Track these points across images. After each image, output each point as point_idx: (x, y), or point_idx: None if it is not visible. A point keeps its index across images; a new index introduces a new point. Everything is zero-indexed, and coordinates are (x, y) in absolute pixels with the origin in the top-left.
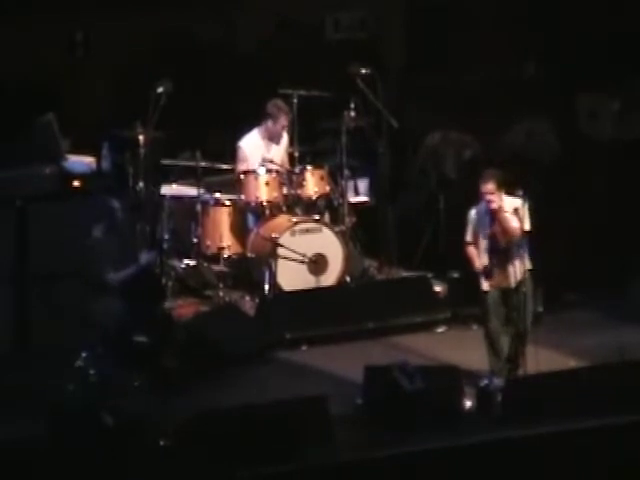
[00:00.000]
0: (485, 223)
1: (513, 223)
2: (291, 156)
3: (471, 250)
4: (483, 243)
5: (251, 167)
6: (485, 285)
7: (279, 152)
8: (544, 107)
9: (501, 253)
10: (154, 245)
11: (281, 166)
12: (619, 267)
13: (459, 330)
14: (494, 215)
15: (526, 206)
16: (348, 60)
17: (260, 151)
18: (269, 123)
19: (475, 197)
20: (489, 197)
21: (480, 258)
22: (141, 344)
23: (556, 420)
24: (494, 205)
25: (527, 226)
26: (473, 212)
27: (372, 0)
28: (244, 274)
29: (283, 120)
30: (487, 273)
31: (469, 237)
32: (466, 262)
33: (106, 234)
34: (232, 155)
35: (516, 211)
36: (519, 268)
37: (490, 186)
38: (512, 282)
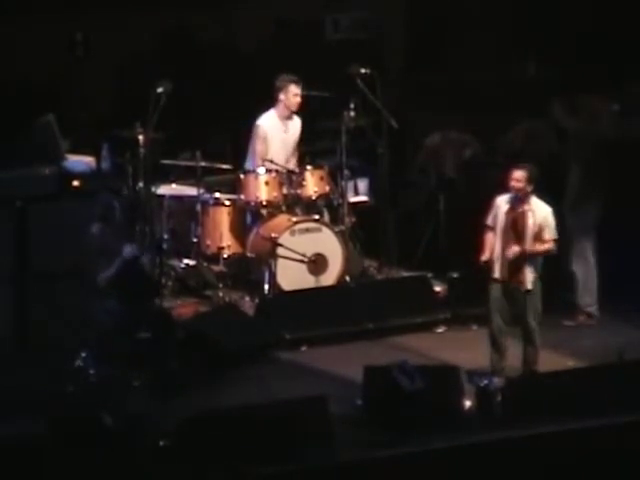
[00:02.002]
0: (502, 212)
1: (529, 221)
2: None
3: (487, 237)
4: (499, 232)
5: (270, 145)
6: (496, 273)
7: (295, 135)
8: (544, 107)
9: (511, 247)
10: (134, 238)
11: (297, 148)
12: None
13: (459, 330)
14: (513, 202)
15: (552, 215)
16: (348, 60)
17: (278, 130)
18: (281, 97)
19: (476, 196)
20: (517, 184)
21: (494, 248)
22: (144, 341)
23: (556, 420)
24: (519, 190)
25: (553, 234)
26: (499, 198)
27: (372, 0)
28: (244, 274)
29: (293, 88)
30: (487, 267)
31: (489, 220)
32: (479, 247)
33: (103, 232)
34: (233, 154)
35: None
36: (532, 270)
37: (522, 173)
38: (527, 284)
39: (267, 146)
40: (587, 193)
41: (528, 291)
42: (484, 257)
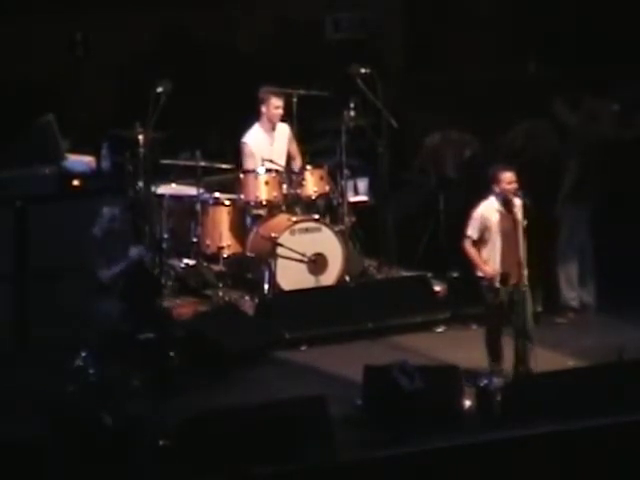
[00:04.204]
0: (496, 220)
1: (520, 217)
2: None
3: (474, 251)
4: (497, 242)
5: (258, 162)
6: (497, 283)
7: (282, 144)
8: (544, 106)
9: (514, 249)
10: (142, 239)
11: (288, 160)
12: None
13: (459, 330)
14: (509, 204)
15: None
16: (348, 60)
17: (265, 144)
18: (263, 109)
19: (475, 195)
20: (511, 185)
21: (491, 260)
22: (148, 341)
23: (556, 420)
24: (511, 191)
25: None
26: (481, 209)
27: (372, 0)
28: (243, 274)
29: (274, 101)
30: (504, 280)
31: (475, 234)
32: (464, 256)
33: (103, 236)
34: (233, 154)
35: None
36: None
37: (512, 174)
38: (524, 279)
39: (256, 162)
40: (584, 190)
41: (526, 287)
42: (490, 270)
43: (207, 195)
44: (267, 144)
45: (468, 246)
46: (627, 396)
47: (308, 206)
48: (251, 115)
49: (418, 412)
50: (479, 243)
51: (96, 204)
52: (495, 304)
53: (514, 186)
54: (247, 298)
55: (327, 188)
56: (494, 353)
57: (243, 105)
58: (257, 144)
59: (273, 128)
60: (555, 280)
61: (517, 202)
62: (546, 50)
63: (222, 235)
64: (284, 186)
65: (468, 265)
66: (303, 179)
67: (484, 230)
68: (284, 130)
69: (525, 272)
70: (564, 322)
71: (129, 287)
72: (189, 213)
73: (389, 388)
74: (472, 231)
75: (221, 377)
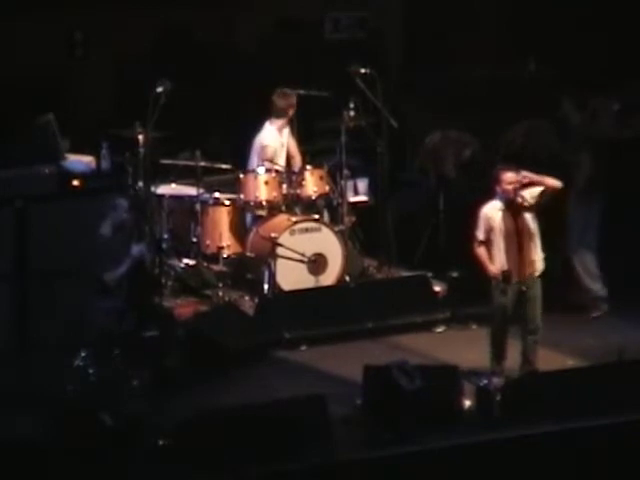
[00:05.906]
0: (499, 219)
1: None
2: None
3: (482, 251)
4: (500, 242)
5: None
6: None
7: (286, 143)
8: (544, 106)
9: (518, 249)
10: (142, 237)
11: (288, 159)
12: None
13: (458, 330)
14: (511, 205)
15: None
16: (347, 59)
17: (279, 144)
18: (290, 112)
19: (475, 195)
20: (511, 186)
21: (497, 260)
22: (147, 340)
23: (556, 420)
24: (512, 191)
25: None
26: (486, 209)
27: (372, 0)
28: (243, 274)
29: (294, 104)
30: (506, 278)
31: (481, 235)
32: (474, 259)
33: (114, 232)
34: (233, 154)
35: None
36: (535, 264)
37: (513, 175)
38: (529, 277)
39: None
40: (595, 188)
41: (529, 287)
42: (495, 270)
43: (207, 195)
44: (280, 145)
45: (476, 246)
46: (627, 396)
47: (308, 206)
48: (251, 115)
49: (418, 412)
50: (487, 243)
51: (96, 204)
52: (500, 303)
53: (515, 186)
54: (247, 298)
55: (327, 188)
56: (497, 353)
57: (243, 105)
58: (275, 144)
59: (284, 126)
60: (558, 278)
61: (520, 198)
62: (546, 49)
63: (222, 235)
64: (284, 186)
65: (477, 265)
66: (303, 179)
67: (489, 230)
68: (287, 129)
69: (533, 271)
70: (600, 314)
71: (131, 285)
72: (189, 213)
73: (389, 388)
74: (479, 231)
75: (221, 377)
